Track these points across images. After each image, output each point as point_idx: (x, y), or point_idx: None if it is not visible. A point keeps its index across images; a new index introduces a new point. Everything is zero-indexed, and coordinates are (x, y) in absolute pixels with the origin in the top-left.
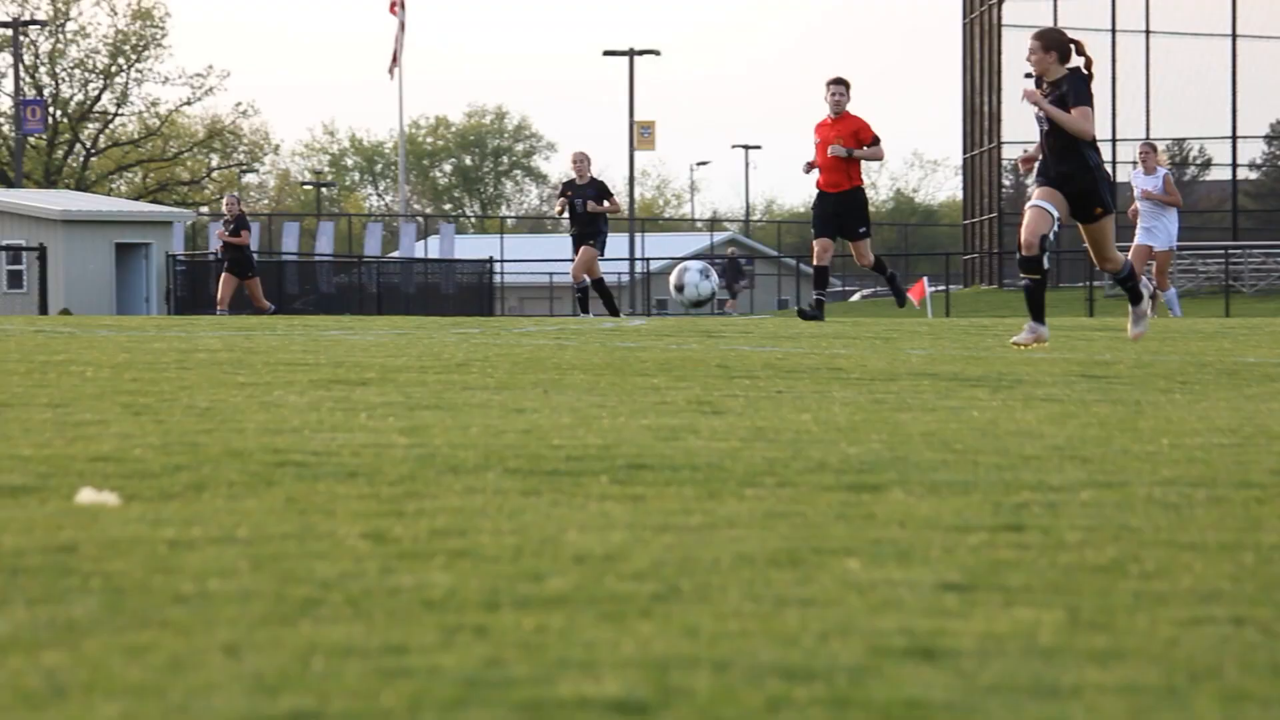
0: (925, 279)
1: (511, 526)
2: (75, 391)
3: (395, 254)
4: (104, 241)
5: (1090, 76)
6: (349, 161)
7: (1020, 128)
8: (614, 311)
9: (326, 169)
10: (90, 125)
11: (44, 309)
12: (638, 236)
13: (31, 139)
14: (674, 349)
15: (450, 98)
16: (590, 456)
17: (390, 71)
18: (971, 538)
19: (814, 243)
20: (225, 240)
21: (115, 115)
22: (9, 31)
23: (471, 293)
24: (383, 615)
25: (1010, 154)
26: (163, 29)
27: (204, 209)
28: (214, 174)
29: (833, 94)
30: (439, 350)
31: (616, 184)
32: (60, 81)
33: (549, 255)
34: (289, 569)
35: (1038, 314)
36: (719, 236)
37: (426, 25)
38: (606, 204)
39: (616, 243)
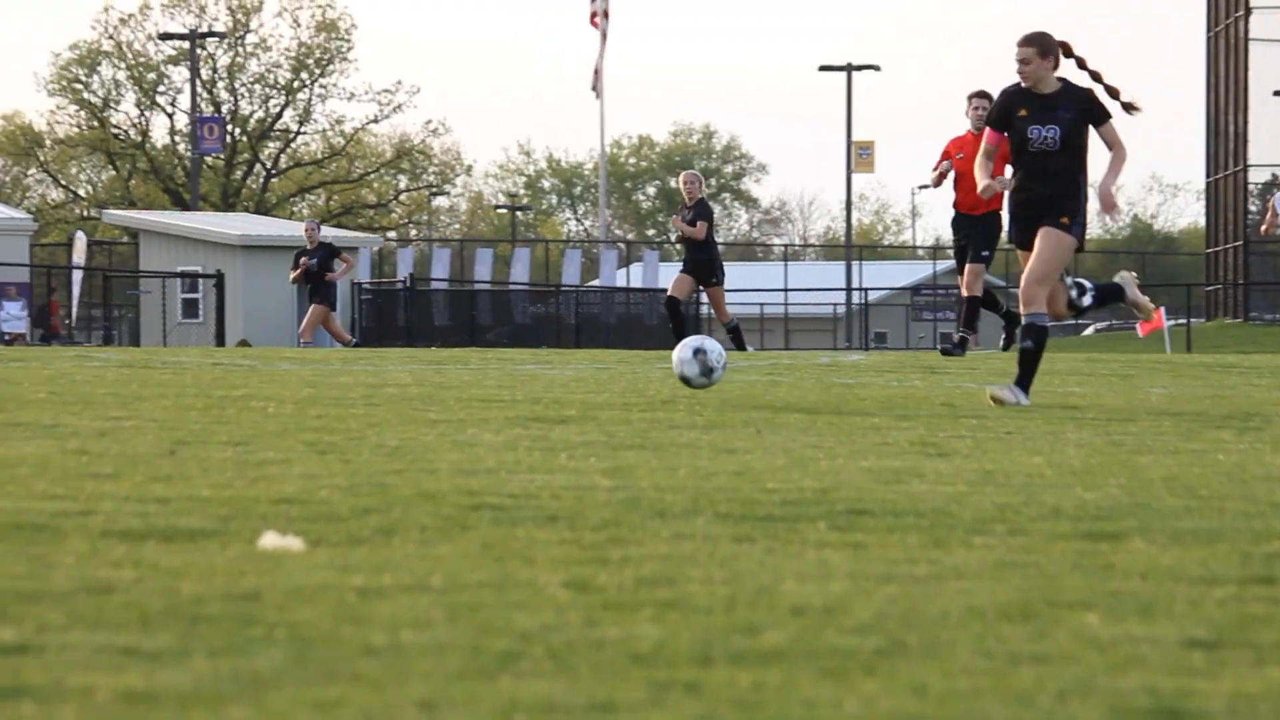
0: (1163, 310)
1: (724, 575)
2: (256, 429)
3: (595, 283)
4: (285, 268)
5: (1097, 80)
6: (546, 184)
7: (1271, 149)
8: (680, 337)
9: (522, 191)
10: (271, 144)
11: (221, 340)
12: (855, 265)
13: (208, 159)
14: (895, 386)
15: (654, 116)
16: (807, 501)
17: (593, 87)
18: (1219, 591)
19: (965, 271)
20: (328, 276)
21: (297, 134)
22: (186, 44)
23: None
24: (587, 670)
25: (1257, 177)
26: (348, 42)
27: (391, 234)
28: (402, 196)
29: (975, 108)
30: (643, 386)
31: (832, 208)
32: (239, 98)
33: (760, 284)
34: (486, 620)
35: (1112, 294)
36: (942, 265)
37: (630, 38)
38: (696, 228)
39: (834, 271)
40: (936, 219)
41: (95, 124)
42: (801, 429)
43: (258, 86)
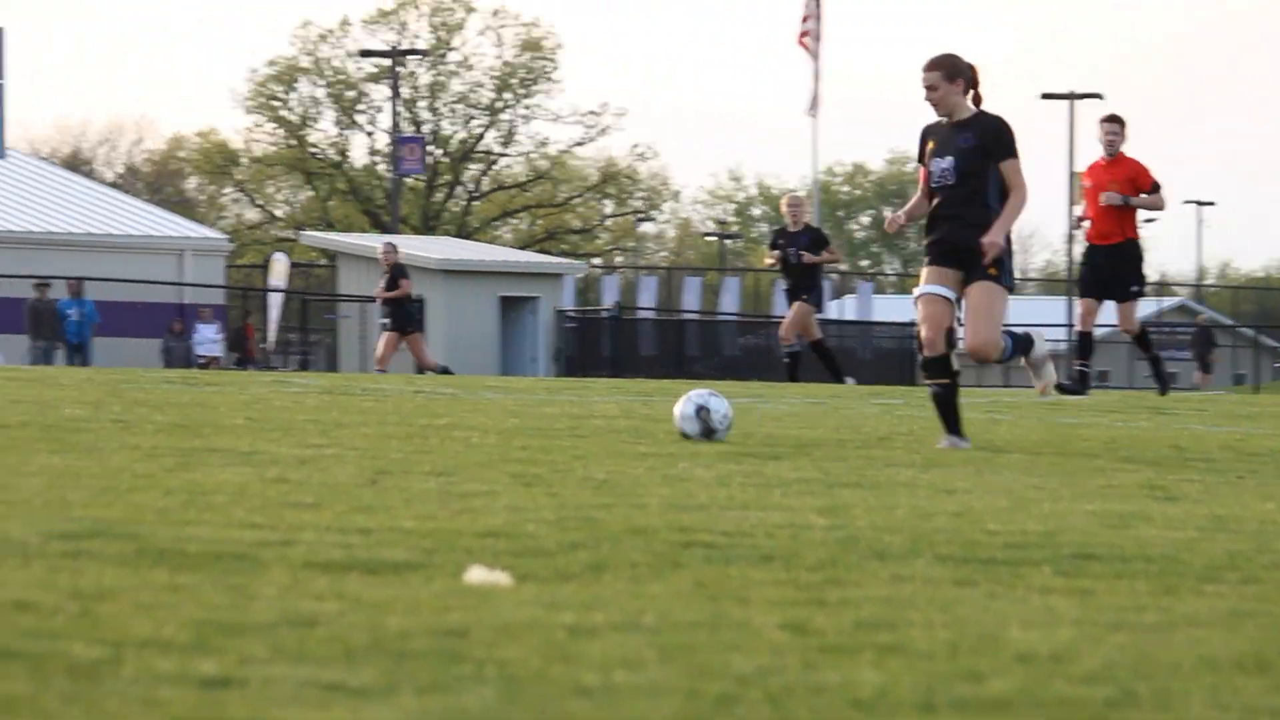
0: None
1: (945, 620)
2: (460, 459)
3: None
4: (487, 294)
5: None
6: (756, 211)
7: None
8: (838, 377)
9: (731, 219)
10: (473, 166)
11: (421, 368)
12: (1075, 300)
13: (409, 180)
14: (1120, 426)
15: (869, 142)
16: (1030, 544)
17: (810, 112)
18: None
19: (1079, 303)
20: (381, 296)
21: (500, 155)
22: (387, 61)
23: (892, 359)
24: (807, 715)
25: None
26: (554, 61)
27: (597, 260)
28: (608, 222)
29: (1107, 133)
30: (858, 422)
31: (1052, 241)
32: (441, 118)
33: None
34: (701, 661)
35: (952, 425)
36: (1167, 302)
37: (843, 61)
38: (825, 254)
39: (1053, 308)
40: (1162, 255)
41: (293, 142)
42: (1023, 469)
43: (460, 106)
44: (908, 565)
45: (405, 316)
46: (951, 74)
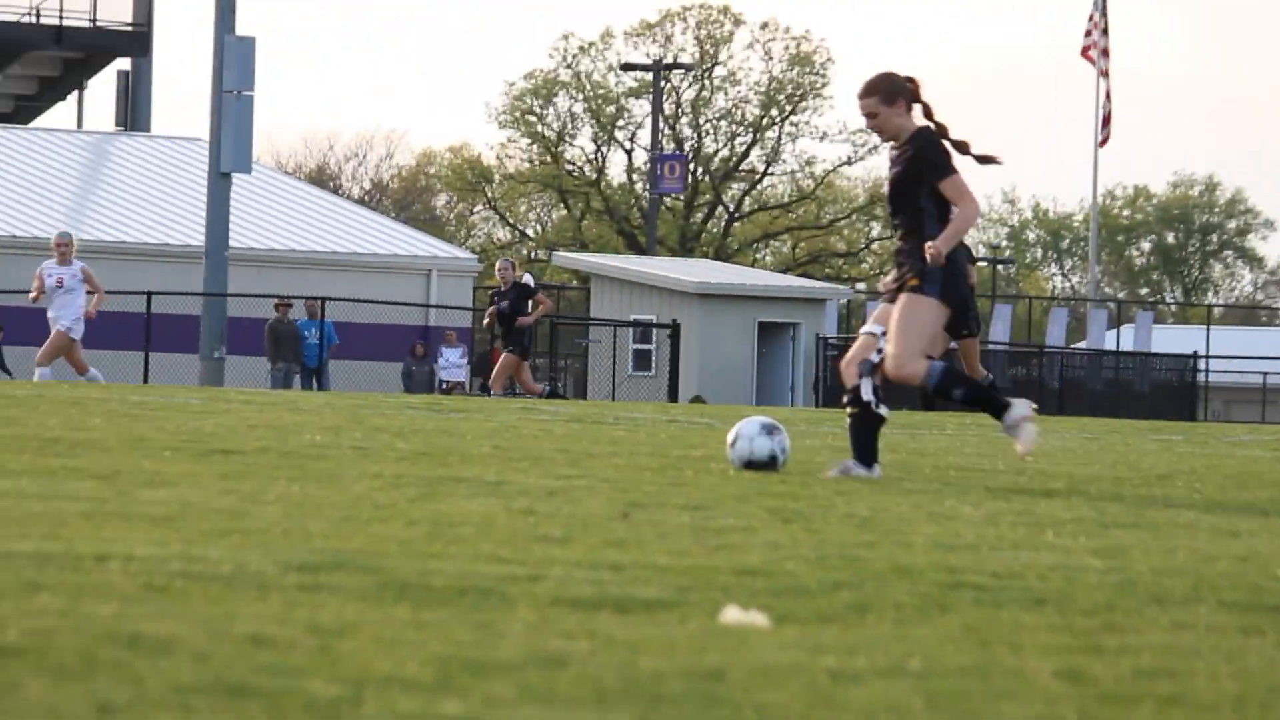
0: None
1: (1230, 670)
2: (715, 493)
3: (1082, 344)
4: (745, 319)
5: (939, 129)
6: (1031, 235)
7: None
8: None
9: (1005, 243)
10: (734, 185)
11: (674, 395)
12: None
13: (667, 199)
14: None
15: (1152, 165)
16: None
17: (1102, 132)
18: None
19: None
20: (519, 321)
21: (764, 174)
22: (649, 75)
23: (1170, 392)
24: None
25: None
26: (824, 77)
27: (861, 285)
28: (874, 245)
29: None
30: (1135, 459)
31: None
32: (703, 134)
33: (1263, 351)
34: (971, 710)
35: (858, 451)
36: None
37: (1125, 78)
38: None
39: None
40: None
41: (548, 159)
42: None
43: (724, 123)
44: (1189, 611)
45: (519, 335)
46: (890, 96)
